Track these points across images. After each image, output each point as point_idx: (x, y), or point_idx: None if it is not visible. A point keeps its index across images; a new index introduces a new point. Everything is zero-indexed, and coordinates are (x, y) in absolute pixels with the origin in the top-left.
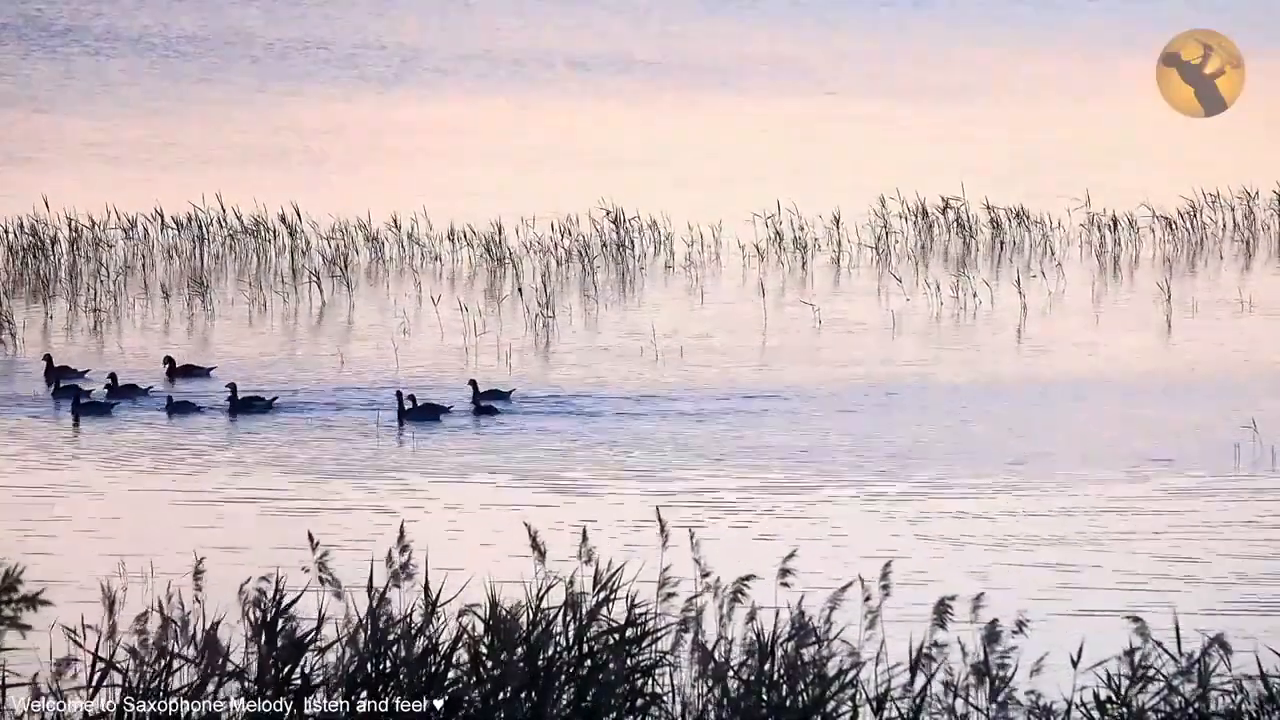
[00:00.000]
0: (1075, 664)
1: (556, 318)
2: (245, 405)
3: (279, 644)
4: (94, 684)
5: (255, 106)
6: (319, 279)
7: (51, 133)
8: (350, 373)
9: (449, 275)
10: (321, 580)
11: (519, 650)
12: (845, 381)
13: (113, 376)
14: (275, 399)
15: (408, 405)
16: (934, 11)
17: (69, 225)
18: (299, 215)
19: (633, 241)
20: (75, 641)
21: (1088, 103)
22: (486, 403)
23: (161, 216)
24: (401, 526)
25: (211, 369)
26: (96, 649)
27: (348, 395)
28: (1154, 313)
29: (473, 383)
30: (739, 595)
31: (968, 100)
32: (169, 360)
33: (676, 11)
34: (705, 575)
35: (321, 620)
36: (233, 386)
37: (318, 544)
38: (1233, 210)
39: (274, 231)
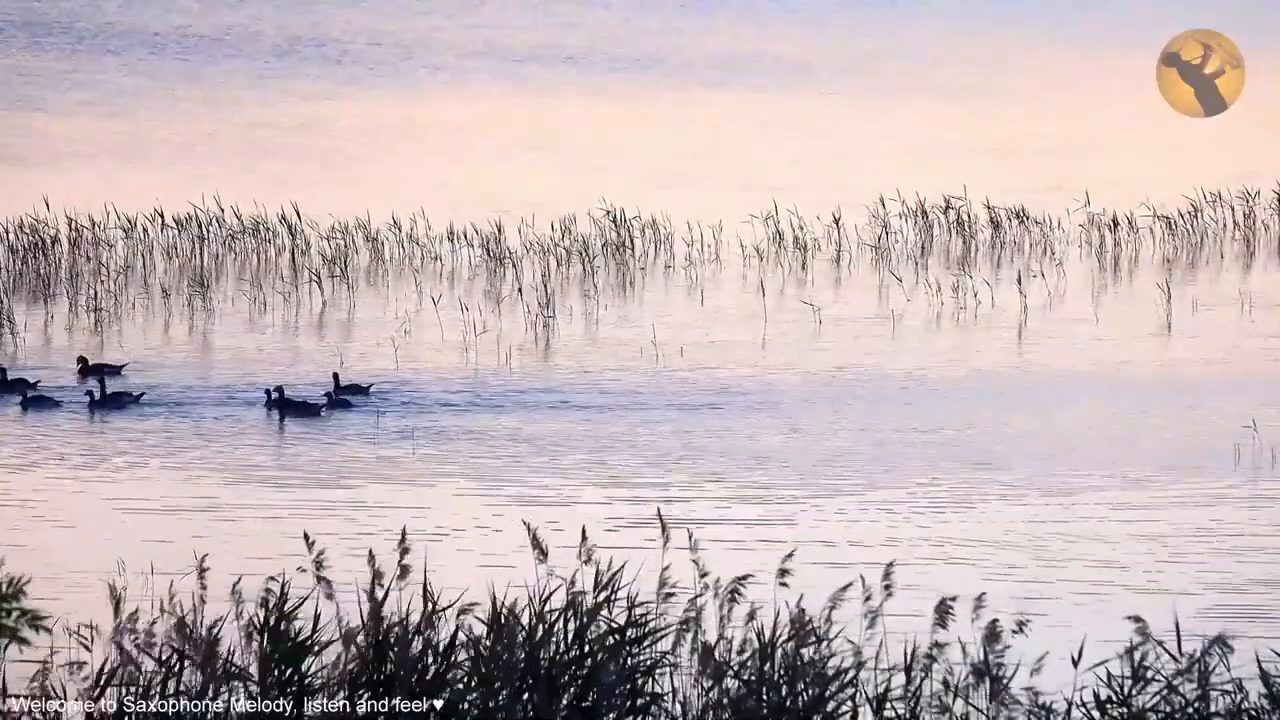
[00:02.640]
0: (1075, 664)
1: (556, 317)
2: (110, 401)
3: (281, 645)
4: (100, 685)
5: (255, 106)
6: (319, 279)
7: (51, 133)
8: (260, 369)
9: (449, 275)
10: (318, 579)
11: (519, 650)
12: (845, 381)
13: (1, 371)
14: (142, 394)
15: (275, 397)
16: (934, 11)
17: (69, 225)
18: (299, 215)
19: (633, 241)
20: (84, 644)
21: (1088, 102)
22: (343, 396)
23: (162, 216)
24: (403, 530)
25: (123, 366)
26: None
27: (243, 391)
28: (1154, 313)
29: (335, 376)
30: (736, 595)
31: (968, 99)
32: (82, 360)
33: (677, 10)
34: (704, 575)
35: (318, 621)
36: (101, 381)
37: (314, 543)
38: (1233, 210)
39: (274, 231)
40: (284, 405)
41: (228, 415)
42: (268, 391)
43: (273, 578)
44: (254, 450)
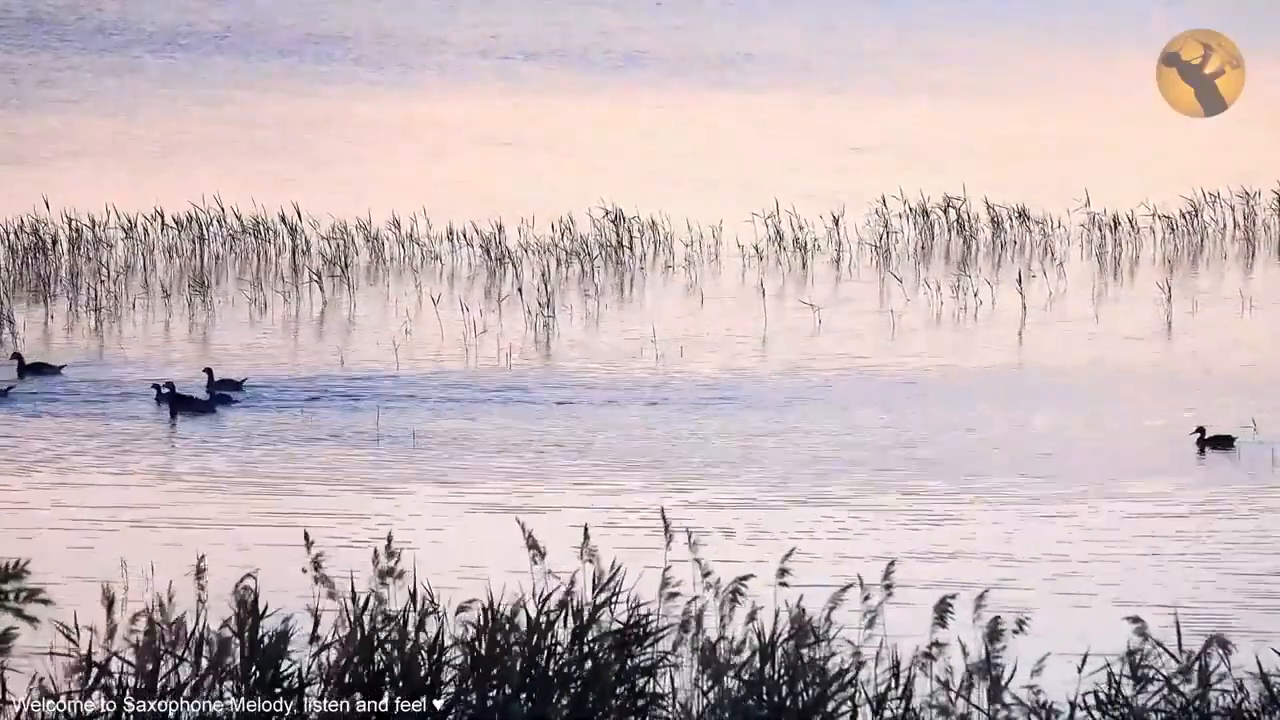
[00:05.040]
0: (1080, 670)
1: (556, 317)
2: None
3: (267, 644)
4: (90, 684)
5: (255, 106)
6: (319, 279)
7: (52, 133)
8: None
9: (449, 275)
10: (316, 580)
11: (516, 650)
12: (845, 381)
13: None
14: (10, 389)
15: (165, 393)
16: (934, 11)
17: (69, 225)
18: (299, 215)
19: (632, 241)
20: (71, 640)
21: (1088, 102)
22: (221, 391)
23: (161, 216)
24: (389, 534)
25: (62, 367)
26: (89, 648)
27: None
28: (1154, 313)
29: (208, 371)
30: (737, 595)
31: (968, 99)
32: (17, 356)
33: (678, 9)
34: (705, 575)
35: (317, 621)
36: None
37: (313, 543)
38: (1233, 210)
39: (274, 231)
40: (175, 400)
41: (119, 413)
42: (156, 387)
43: (249, 574)
44: (234, 449)
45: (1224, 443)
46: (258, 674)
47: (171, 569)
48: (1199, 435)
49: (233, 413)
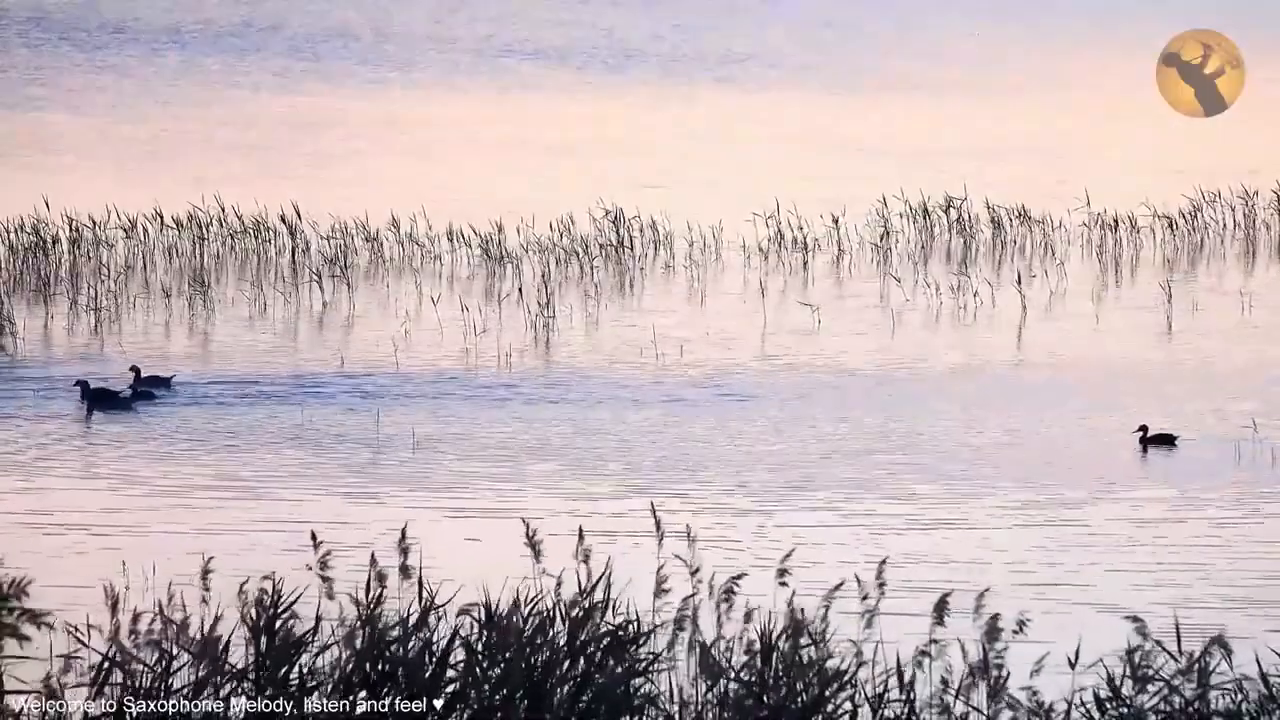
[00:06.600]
0: (1073, 665)
1: (556, 317)
2: None
3: (276, 644)
4: (97, 684)
5: (255, 105)
6: (319, 279)
7: (52, 133)
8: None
9: (449, 275)
10: (324, 579)
11: (515, 651)
12: (844, 381)
13: None
14: None
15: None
16: (935, 11)
17: (69, 225)
18: (299, 215)
19: (632, 241)
20: (79, 640)
21: (1088, 102)
22: (145, 388)
23: (161, 216)
24: (404, 529)
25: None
26: (88, 644)
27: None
28: (1154, 313)
29: (134, 369)
30: (730, 594)
31: (968, 99)
32: None
33: (678, 8)
34: (698, 573)
35: (319, 620)
36: None
37: (321, 543)
38: (1233, 210)
39: (274, 231)
40: (93, 397)
41: (40, 409)
42: (80, 383)
43: (267, 577)
44: (230, 450)
45: (1165, 441)
46: (266, 675)
47: (166, 570)
48: (1141, 434)
49: (157, 410)
